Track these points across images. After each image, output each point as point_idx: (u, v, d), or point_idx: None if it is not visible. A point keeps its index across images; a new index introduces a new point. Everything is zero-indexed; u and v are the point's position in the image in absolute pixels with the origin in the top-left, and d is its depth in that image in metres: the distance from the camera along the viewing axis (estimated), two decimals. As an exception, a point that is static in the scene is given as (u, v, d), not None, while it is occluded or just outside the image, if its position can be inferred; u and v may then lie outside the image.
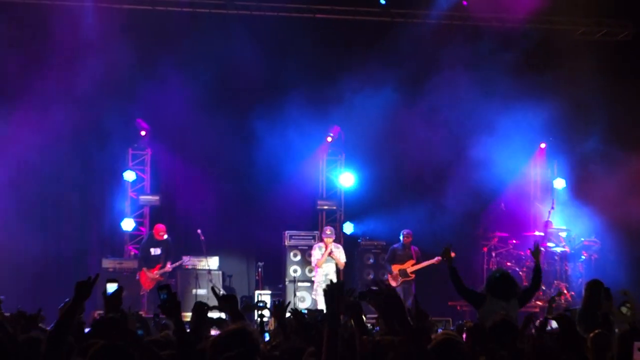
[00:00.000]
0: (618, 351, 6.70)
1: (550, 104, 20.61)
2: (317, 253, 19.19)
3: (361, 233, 21.46)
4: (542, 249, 18.10)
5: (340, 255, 19.12)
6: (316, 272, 19.21)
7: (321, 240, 19.49)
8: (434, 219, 20.74)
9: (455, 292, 11.26)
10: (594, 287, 11.37)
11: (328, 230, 19.42)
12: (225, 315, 8.38)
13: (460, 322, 13.55)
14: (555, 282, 19.74)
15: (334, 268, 18.99)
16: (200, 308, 6.72)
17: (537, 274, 11.43)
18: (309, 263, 20.60)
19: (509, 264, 20.20)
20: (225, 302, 7.27)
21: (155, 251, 19.99)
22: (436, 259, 18.89)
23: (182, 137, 21.08)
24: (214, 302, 16.18)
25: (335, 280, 16.36)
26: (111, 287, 6.62)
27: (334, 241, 19.40)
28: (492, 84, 20.44)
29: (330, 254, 18.95)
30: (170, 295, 5.93)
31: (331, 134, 21.95)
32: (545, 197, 22.09)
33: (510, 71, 20.21)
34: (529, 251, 12.31)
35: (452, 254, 11.98)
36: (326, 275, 18.88)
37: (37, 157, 19.93)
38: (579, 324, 10.88)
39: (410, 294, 19.26)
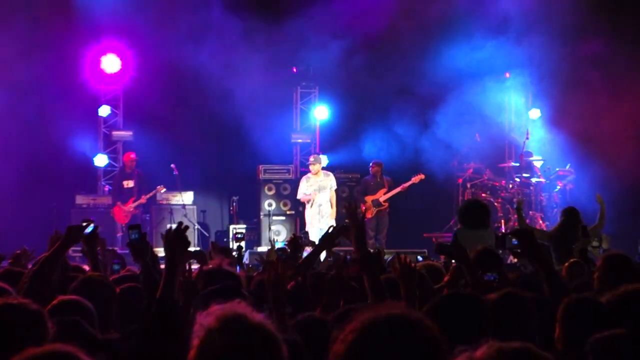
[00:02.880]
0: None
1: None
2: (302, 185, 18.96)
3: (336, 165, 21.53)
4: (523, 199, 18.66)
5: (330, 182, 18.89)
6: (307, 204, 18.91)
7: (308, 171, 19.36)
8: (407, 149, 21.05)
9: (434, 220, 11.05)
10: (570, 215, 11.53)
11: (311, 157, 19.35)
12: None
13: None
14: (530, 212, 19.89)
15: (326, 197, 18.76)
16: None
17: (519, 221, 11.74)
18: (284, 197, 21.03)
19: (483, 195, 20.23)
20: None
21: (128, 184, 20.05)
22: (407, 183, 19.32)
23: (156, 72, 20.82)
24: (189, 237, 16.27)
25: (329, 210, 18.19)
26: (87, 227, 6.66)
27: (323, 168, 19.24)
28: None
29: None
30: (140, 236, 5.86)
31: (294, 68, 22.13)
32: (520, 127, 22.18)
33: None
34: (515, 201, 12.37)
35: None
36: (319, 205, 18.70)
37: (9, 99, 19.79)
38: (552, 251, 11.08)
39: (385, 225, 19.63)
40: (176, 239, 4.89)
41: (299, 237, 8.98)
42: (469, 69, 20.64)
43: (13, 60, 19.32)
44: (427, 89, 20.46)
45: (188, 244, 4.97)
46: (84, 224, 6.53)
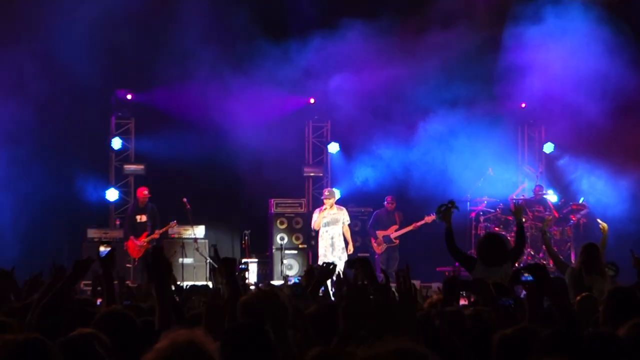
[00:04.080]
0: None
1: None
2: (315, 217, 18.91)
3: (348, 199, 21.34)
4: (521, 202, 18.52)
5: (343, 217, 18.81)
6: (319, 236, 18.90)
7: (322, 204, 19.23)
8: (421, 184, 20.68)
9: (447, 254, 10.97)
10: (589, 252, 11.26)
11: (326, 191, 19.26)
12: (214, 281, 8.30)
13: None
14: (543, 247, 19.73)
15: (339, 230, 18.69)
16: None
17: (520, 232, 11.16)
18: (296, 231, 20.97)
19: (497, 228, 20.09)
20: (226, 265, 6.85)
21: (141, 218, 19.98)
22: (420, 222, 19.25)
23: (167, 104, 21.03)
24: (201, 271, 16.14)
25: (341, 244, 18.30)
26: (103, 250, 6.72)
27: (337, 203, 19.13)
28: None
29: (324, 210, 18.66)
30: (110, 253, 6.06)
31: (312, 99, 22.07)
32: (534, 161, 22.34)
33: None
34: (512, 209, 12.28)
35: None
36: (332, 238, 18.64)
37: (15, 126, 19.70)
38: (570, 287, 11.00)
39: (395, 259, 19.55)
40: (155, 264, 4.91)
41: (315, 268, 9.03)
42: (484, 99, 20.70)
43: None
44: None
45: (168, 265, 4.99)
46: (102, 248, 6.63)
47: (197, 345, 3.35)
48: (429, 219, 19.20)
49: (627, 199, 20.67)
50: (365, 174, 21.70)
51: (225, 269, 6.29)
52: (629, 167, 20.61)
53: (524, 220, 19.41)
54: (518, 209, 11.45)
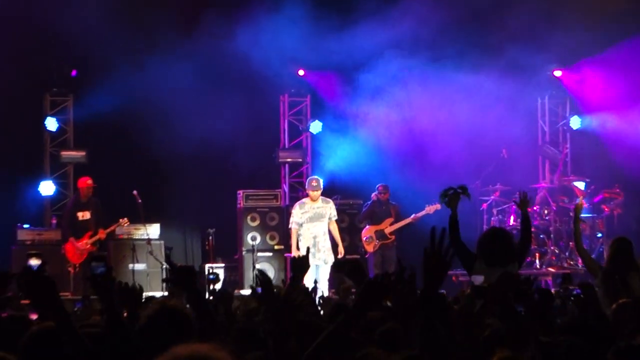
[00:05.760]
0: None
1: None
2: (296, 213, 18.59)
3: (332, 189, 20.97)
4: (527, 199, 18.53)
5: (329, 211, 18.62)
6: (300, 235, 18.57)
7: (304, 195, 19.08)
8: (420, 171, 20.87)
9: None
10: (620, 246, 11.34)
11: (313, 181, 18.73)
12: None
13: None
14: (570, 243, 19.62)
15: (324, 228, 18.50)
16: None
17: (525, 226, 11.17)
18: (270, 229, 20.75)
19: (513, 224, 20.12)
20: (181, 275, 6.61)
21: (83, 215, 19.73)
22: (420, 213, 19.20)
23: (113, 80, 20.67)
24: (156, 279, 16.27)
25: (327, 244, 18.40)
26: (34, 264, 6.39)
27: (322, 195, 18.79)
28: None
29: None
30: (106, 270, 5.77)
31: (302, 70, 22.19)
32: (558, 140, 22.43)
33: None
34: (514, 205, 12.37)
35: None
36: (314, 237, 18.37)
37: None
38: (599, 286, 10.97)
39: (392, 261, 19.19)
40: (33, 283, 5.06)
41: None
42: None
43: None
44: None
45: (49, 283, 5.13)
46: (32, 261, 6.63)
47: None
48: (431, 209, 19.00)
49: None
50: (352, 158, 21.55)
51: (184, 284, 6.26)
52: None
53: (545, 212, 19.42)
54: (523, 200, 11.39)
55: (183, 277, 6.24)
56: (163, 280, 18.36)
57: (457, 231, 10.60)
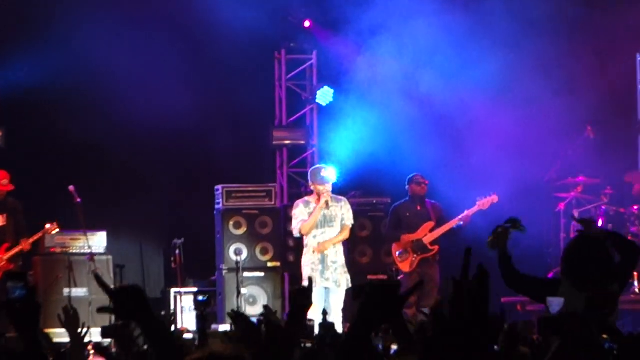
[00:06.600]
0: None
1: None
2: (301, 212, 16.96)
3: (348, 185, 19.63)
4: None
5: (343, 213, 17.07)
6: (305, 246, 17.16)
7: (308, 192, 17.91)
8: (464, 160, 19.99)
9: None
10: None
11: (322, 171, 17.16)
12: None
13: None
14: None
15: (335, 235, 17.13)
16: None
17: (619, 239, 10.32)
18: (262, 239, 19.43)
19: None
20: (122, 300, 5.49)
21: (-2, 221, 18.73)
22: (472, 209, 18.07)
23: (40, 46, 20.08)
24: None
25: (342, 258, 17.39)
26: None
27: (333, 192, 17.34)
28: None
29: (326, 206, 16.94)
30: (27, 293, 5.48)
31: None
32: None
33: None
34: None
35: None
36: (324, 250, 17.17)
37: None
38: None
39: (434, 284, 17.95)
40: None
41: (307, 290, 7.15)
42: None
43: None
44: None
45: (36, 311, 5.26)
46: (9, 284, 5.78)
47: None
48: (486, 202, 18.18)
49: None
50: (377, 140, 20.13)
51: (130, 312, 5.38)
52: None
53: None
54: (587, 223, 10.65)
55: (126, 302, 5.25)
56: (98, 310, 16.23)
57: (511, 267, 10.21)
